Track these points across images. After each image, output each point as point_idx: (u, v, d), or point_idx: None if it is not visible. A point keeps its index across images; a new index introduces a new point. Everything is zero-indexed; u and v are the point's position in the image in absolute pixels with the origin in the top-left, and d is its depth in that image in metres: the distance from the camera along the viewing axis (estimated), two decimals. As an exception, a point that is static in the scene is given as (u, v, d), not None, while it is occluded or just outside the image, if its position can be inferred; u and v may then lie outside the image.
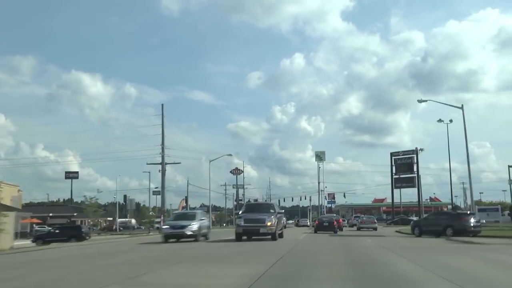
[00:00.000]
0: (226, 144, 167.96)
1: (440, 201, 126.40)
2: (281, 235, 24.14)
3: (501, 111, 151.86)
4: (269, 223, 21.52)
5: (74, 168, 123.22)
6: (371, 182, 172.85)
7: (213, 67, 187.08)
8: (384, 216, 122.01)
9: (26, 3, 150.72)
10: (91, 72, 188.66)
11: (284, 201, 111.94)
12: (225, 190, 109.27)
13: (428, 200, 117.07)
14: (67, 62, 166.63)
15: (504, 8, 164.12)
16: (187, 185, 74.89)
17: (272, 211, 23.12)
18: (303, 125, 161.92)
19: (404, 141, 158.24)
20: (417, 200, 71.77)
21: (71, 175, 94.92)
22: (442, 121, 49.67)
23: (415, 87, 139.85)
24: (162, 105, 65.30)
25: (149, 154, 64.92)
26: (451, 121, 50.29)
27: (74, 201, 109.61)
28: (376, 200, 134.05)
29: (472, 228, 26.34)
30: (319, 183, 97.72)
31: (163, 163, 67.29)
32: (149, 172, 72.13)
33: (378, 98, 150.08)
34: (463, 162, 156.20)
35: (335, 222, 36.66)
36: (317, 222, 38.58)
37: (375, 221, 49.39)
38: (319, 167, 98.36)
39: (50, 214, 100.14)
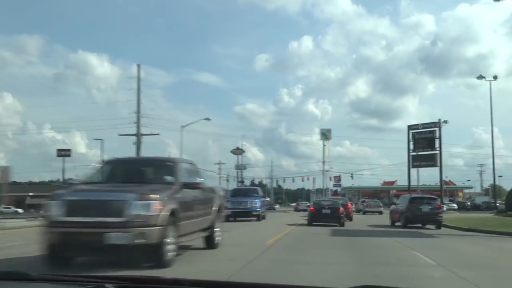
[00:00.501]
0: (233, 127, 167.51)
1: (455, 184, 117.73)
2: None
3: (511, 96, 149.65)
4: None
5: (81, 149, 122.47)
6: (378, 166, 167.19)
7: (220, 49, 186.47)
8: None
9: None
10: (98, 52, 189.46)
11: (284, 181, 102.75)
12: (219, 169, 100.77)
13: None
14: (74, 42, 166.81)
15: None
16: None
17: None
18: (310, 108, 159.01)
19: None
20: (433, 182, 62.13)
21: (63, 153, 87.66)
22: (484, 77, 38.11)
23: (423, 71, 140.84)
24: (138, 66, 55.37)
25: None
26: (495, 77, 38.83)
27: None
28: (385, 183, 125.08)
29: (425, 217, 23.14)
30: (323, 162, 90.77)
31: (138, 134, 56.85)
32: (101, 140, 62.40)
33: (386, 82, 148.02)
34: (470, 148, 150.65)
35: (341, 209, 24.03)
36: (312, 209, 24.75)
37: (381, 205, 48.92)
38: (324, 145, 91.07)
39: (30, 194, 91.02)
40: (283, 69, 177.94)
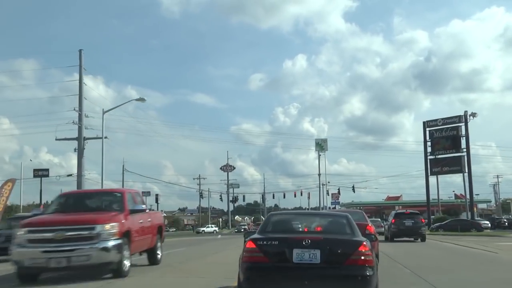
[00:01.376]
0: (229, 147, 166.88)
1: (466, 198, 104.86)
2: None
3: (506, 111, 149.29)
4: None
5: (74, 171, 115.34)
6: (375, 184, 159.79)
7: (214, 70, 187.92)
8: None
9: (28, 6, 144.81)
10: (93, 75, 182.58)
11: (273, 197, 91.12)
12: (199, 184, 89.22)
13: (453, 197, 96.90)
14: (69, 65, 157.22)
15: (510, 7, 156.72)
16: (123, 172, 50.24)
17: None
18: (306, 126, 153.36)
19: (408, 142, 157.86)
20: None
21: (41, 173, 76.63)
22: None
23: (418, 88, 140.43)
24: (80, 51, 42.35)
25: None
26: None
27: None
28: (389, 198, 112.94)
29: (408, 231, 24.97)
30: (319, 175, 79.38)
31: (80, 138, 43.23)
32: None
33: (381, 99, 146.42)
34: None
35: (363, 248, 6.20)
36: (249, 248, 6.36)
37: (382, 224, 40.47)
38: (320, 155, 79.65)
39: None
40: (278, 88, 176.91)
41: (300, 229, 7.33)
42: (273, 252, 6.26)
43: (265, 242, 6.39)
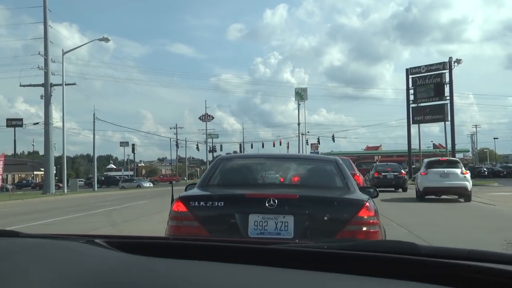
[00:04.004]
0: (208, 97, 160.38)
1: (444, 148, 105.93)
2: None
3: (485, 62, 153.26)
4: None
5: (56, 123, 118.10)
6: (355, 133, 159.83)
7: (193, 19, 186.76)
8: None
9: None
10: (68, 22, 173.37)
11: (252, 147, 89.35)
12: (176, 134, 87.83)
13: (431, 147, 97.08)
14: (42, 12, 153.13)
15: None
16: (94, 120, 47.88)
17: None
18: (286, 77, 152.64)
19: (387, 92, 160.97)
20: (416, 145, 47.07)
21: (14, 123, 73.79)
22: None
23: (397, 39, 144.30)
24: None
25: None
26: None
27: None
28: (368, 148, 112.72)
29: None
30: (299, 124, 78.42)
31: (46, 84, 40.67)
32: None
33: (361, 49, 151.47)
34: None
35: (364, 217, 3.87)
36: (177, 207, 3.94)
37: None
38: (299, 104, 78.31)
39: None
40: (258, 38, 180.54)
41: (265, 182, 5.09)
42: (216, 220, 3.96)
43: (203, 203, 3.96)
